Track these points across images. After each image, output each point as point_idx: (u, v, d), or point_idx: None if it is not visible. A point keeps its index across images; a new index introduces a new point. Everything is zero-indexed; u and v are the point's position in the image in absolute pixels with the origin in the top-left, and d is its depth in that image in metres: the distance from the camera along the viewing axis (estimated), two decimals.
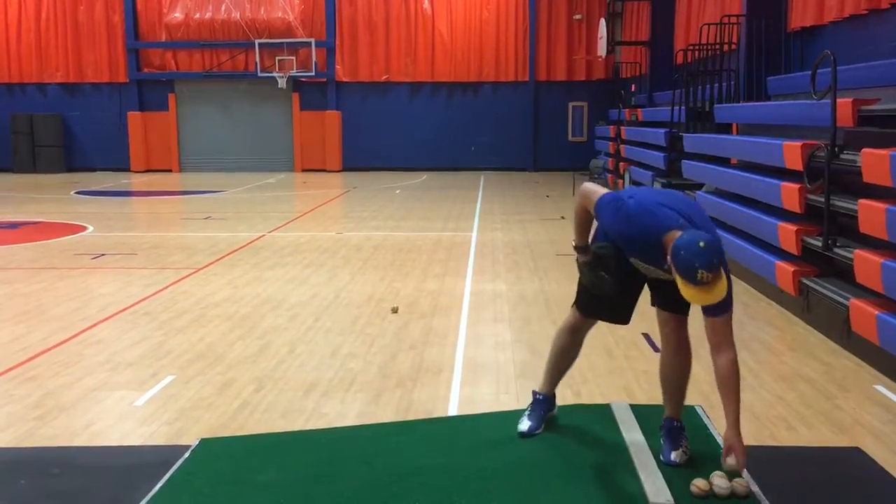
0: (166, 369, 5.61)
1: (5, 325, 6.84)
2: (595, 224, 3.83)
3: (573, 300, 4.05)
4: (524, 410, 4.20)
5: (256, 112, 25.37)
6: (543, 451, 3.96)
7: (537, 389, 4.20)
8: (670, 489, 3.50)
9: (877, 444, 4.31)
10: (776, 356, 5.96)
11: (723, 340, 3.43)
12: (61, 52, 25.14)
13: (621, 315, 4.00)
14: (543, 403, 4.16)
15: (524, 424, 4.11)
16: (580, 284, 3.98)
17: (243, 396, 5.07)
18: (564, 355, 4.13)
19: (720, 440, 4.05)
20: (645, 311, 3.98)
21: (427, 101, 25.31)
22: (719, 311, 3.41)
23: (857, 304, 5.64)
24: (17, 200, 17.17)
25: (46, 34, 25.08)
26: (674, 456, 3.77)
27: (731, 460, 3.41)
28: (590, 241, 3.88)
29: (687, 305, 3.80)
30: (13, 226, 13.22)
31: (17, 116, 24.88)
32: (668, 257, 3.33)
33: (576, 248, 3.91)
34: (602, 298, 3.86)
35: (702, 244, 3.22)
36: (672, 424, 3.88)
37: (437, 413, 4.79)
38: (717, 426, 4.31)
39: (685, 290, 3.28)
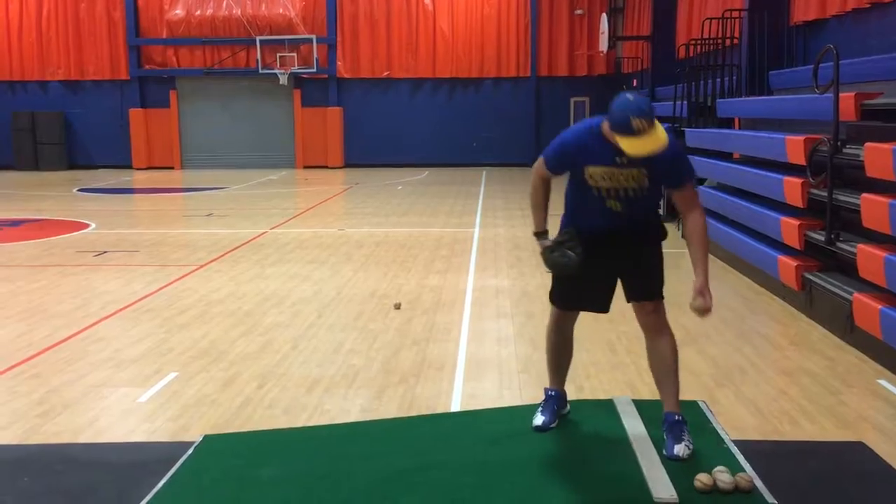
0: (169, 366, 5.61)
1: (8, 323, 6.85)
2: (554, 215, 3.99)
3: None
4: (536, 406, 4.24)
5: (258, 109, 25.34)
6: (547, 446, 3.97)
7: (547, 387, 4.24)
8: (673, 484, 3.50)
9: (880, 439, 4.30)
10: (779, 351, 5.95)
11: (690, 206, 3.78)
12: (62, 50, 25.11)
13: (597, 302, 4.05)
14: (555, 399, 4.20)
15: (538, 419, 4.15)
16: (553, 279, 4.04)
17: (246, 393, 5.07)
18: (558, 352, 4.18)
19: (723, 435, 4.06)
20: None
21: (428, 97, 25.28)
22: (682, 182, 3.76)
23: (860, 299, 5.63)
24: (20, 198, 17.18)
25: (48, 31, 25.05)
26: (676, 450, 3.77)
27: (699, 302, 3.64)
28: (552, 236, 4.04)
29: (659, 288, 3.87)
30: (15, 223, 13.23)
31: (19, 114, 24.88)
32: (607, 126, 3.58)
33: (535, 234, 4.02)
34: (573, 287, 3.94)
35: (630, 97, 3.52)
36: (673, 418, 3.88)
37: (440, 409, 4.79)
38: (720, 421, 4.31)
39: (629, 146, 3.48)
